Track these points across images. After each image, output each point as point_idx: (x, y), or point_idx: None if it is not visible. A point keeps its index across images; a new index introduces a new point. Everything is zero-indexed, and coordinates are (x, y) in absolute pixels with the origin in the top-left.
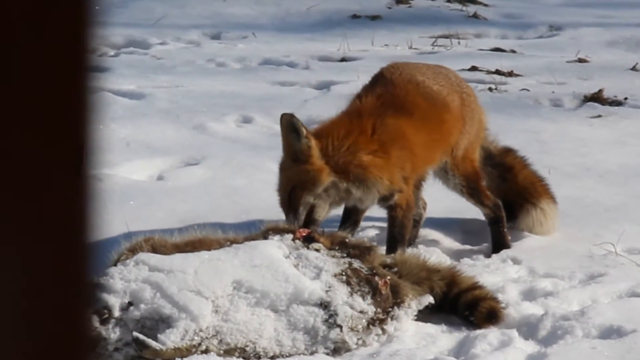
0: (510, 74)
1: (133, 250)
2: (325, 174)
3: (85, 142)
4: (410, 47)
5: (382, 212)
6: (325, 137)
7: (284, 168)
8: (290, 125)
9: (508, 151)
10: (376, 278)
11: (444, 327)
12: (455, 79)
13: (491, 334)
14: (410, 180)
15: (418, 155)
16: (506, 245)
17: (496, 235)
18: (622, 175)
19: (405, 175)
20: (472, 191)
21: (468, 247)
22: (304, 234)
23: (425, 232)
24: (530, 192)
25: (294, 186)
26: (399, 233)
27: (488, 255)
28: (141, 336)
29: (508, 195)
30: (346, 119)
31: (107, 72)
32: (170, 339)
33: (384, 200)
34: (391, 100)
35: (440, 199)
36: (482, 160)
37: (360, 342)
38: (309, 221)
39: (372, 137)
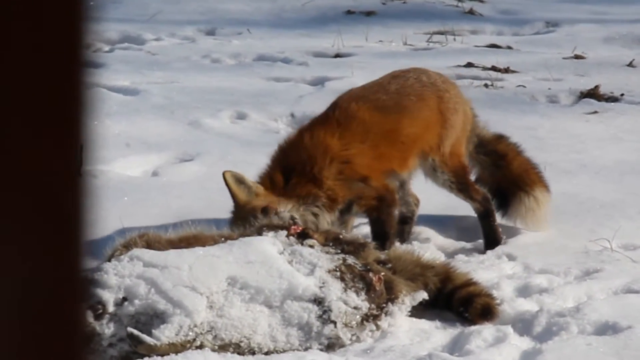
0: (507, 70)
1: (127, 246)
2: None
3: (84, 140)
4: (405, 44)
5: None
6: (269, 184)
7: (242, 207)
8: (235, 179)
9: (500, 138)
10: (370, 274)
11: (438, 323)
12: (428, 79)
13: (486, 330)
14: (373, 178)
15: (360, 164)
16: (498, 239)
17: (487, 229)
18: (618, 172)
19: (360, 178)
20: (461, 186)
21: (462, 243)
22: (298, 231)
23: (420, 229)
24: (524, 179)
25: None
26: (381, 229)
27: (483, 252)
28: (135, 331)
29: (502, 183)
30: (282, 157)
31: (101, 68)
32: (165, 335)
33: (347, 212)
34: (324, 120)
35: (434, 195)
36: (474, 149)
37: (354, 337)
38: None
39: (306, 175)
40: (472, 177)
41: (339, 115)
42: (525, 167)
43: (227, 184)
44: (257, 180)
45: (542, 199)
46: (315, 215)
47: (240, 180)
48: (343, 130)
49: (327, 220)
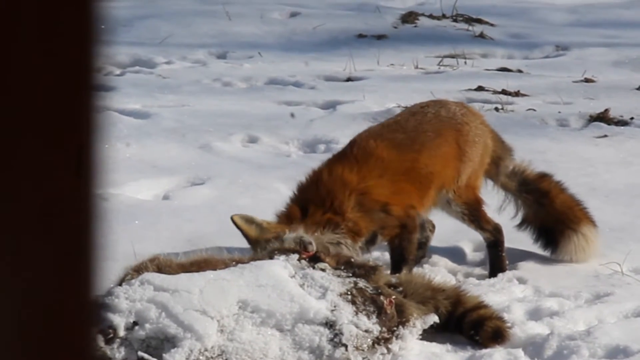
0: (517, 93)
1: (138, 270)
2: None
3: (85, 143)
4: (416, 67)
5: None
6: (285, 219)
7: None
8: (244, 220)
9: (543, 176)
10: (381, 297)
11: (449, 346)
12: (447, 113)
13: (497, 354)
14: (393, 205)
15: (379, 193)
16: (503, 269)
17: (494, 258)
18: (628, 195)
19: (381, 207)
20: (473, 218)
21: (473, 266)
22: (310, 254)
23: (431, 252)
24: (569, 217)
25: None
26: (401, 256)
27: (493, 275)
28: (146, 356)
29: (546, 222)
30: (300, 193)
31: (112, 91)
32: (176, 359)
33: (372, 243)
34: (342, 157)
35: (446, 218)
36: (516, 187)
37: None
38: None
39: (325, 208)
40: (518, 218)
41: (357, 152)
42: (569, 204)
43: (237, 226)
44: (275, 217)
45: (591, 235)
46: (338, 243)
47: (249, 221)
48: (361, 166)
49: (350, 250)
